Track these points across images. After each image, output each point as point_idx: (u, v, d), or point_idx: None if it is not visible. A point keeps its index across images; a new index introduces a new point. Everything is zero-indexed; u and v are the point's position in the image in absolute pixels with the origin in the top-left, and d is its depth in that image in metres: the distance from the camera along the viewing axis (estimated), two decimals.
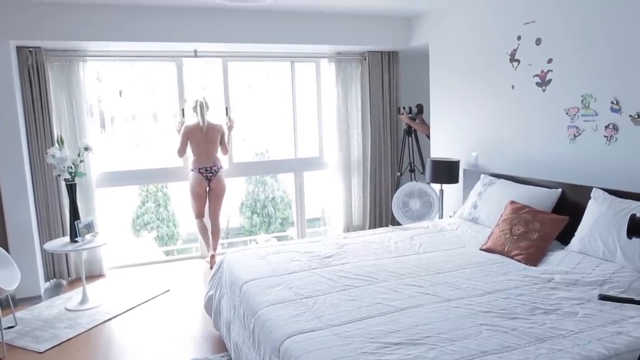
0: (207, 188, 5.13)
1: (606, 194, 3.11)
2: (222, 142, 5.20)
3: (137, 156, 7.24)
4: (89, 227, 4.30)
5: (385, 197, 6.04)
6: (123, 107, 6.89)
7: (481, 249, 3.49)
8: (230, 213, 9.05)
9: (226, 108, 5.37)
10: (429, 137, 5.39)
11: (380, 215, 6.06)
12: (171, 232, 8.78)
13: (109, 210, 5.55)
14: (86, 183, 4.87)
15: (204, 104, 5.08)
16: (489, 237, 3.53)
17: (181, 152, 5.14)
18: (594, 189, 3.20)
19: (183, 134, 5.09)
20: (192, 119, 5.19)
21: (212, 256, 5.16)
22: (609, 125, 3.28)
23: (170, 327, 3.86)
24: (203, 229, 5.28)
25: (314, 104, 5.96)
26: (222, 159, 5.21)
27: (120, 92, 6.28)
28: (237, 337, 2.87)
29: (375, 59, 5.74)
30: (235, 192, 8.92)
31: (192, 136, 5.08)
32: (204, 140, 5.06)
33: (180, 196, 5.40)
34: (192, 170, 5.12)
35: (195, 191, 5.13)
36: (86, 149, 4.34)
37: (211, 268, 4.95)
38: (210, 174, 5.09)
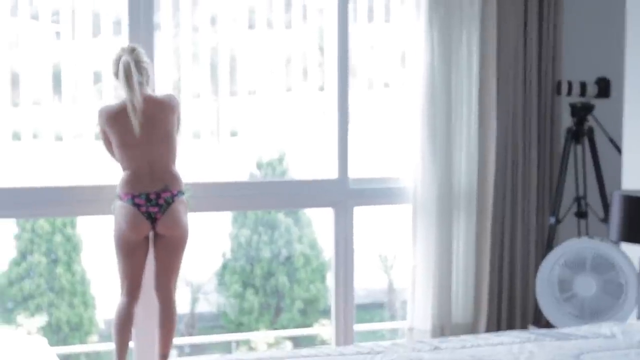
0: (151, 234, 3.94)
1: None
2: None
3: (18, 159, 5.21)
4: None
5: (521, 265, 4.41)
6: None
7: None
8: (199, 284, 6.89)
9: None
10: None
11: (511, 304, 4.47)
12: (78, 316, 6.50)
13: None
14: None
15: (135, 62, 3.89)
16: None
17: (112, 154, 4.03)
18: None
19: (99, 125, 4.01)
20: (114, 97, 4.20)
21: None
22: None
23: None
24: (123, 322, 3.94)
25: (378, 71, 5.01)
26: (180, 172, 3.99)
27: None
28: None
29: None
30: (209, 241, 6.77)
31: (117, 129, 3.88)
32: (140, 134, 3.86)
33: (101, 243, 4.46)
34: (121, 198, 3.88)
35: (126, 240, 3.87)
36: None
37: None
38: (156, 207, 3.91)
